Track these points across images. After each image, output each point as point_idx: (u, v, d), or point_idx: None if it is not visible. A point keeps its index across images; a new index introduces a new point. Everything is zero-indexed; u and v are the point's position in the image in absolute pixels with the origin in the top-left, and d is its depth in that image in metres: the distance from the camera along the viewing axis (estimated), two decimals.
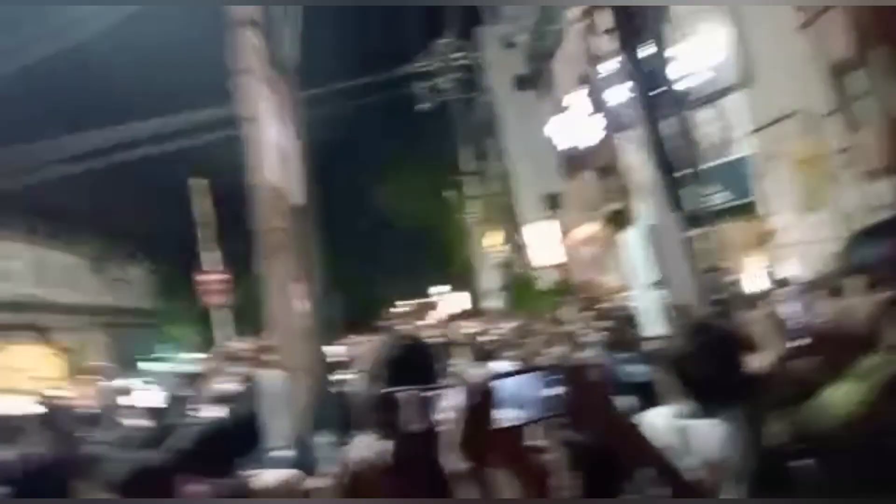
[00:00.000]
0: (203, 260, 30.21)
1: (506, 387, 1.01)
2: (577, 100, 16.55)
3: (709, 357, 1.80)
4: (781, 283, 5.27)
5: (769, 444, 1.50)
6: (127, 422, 5.35)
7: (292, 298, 4.18)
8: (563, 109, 18.40)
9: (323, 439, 2.99)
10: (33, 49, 10.72)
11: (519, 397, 1.01)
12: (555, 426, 1.08)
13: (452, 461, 1.02)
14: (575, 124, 16.97)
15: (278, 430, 3.64)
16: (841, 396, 1.35)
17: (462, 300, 33.73)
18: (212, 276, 29.72)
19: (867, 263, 1.53)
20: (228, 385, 8.04)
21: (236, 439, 2.86)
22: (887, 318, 1.42)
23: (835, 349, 1.57)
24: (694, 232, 3.86)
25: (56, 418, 4.01)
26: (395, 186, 39.02)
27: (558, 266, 23.82)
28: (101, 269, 39.66)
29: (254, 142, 4.33)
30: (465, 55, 23.00)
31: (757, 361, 1.94)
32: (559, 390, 1.00)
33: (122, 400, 5.46)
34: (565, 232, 24.07)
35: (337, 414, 2.91)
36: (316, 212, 3.25)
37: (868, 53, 8.46)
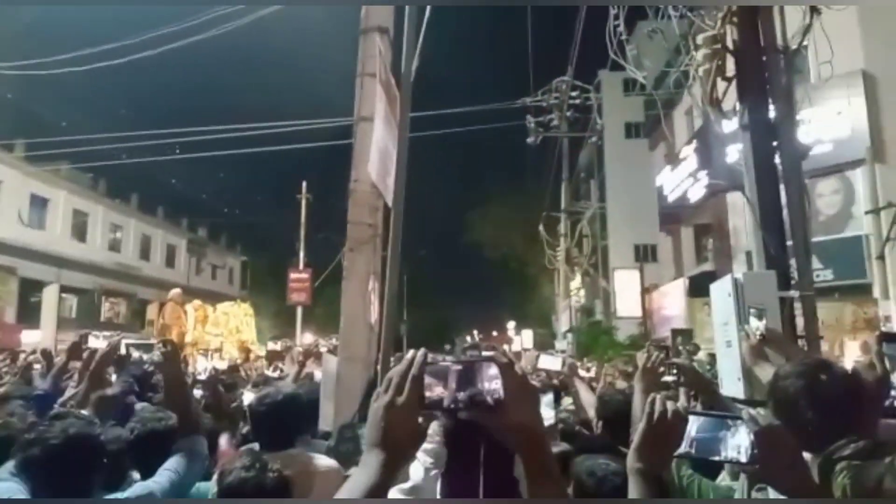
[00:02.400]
0: (296, 260, 31.32)
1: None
2: (689, 153, 16.06)
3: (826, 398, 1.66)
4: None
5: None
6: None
7: (368, 293, 4.26)
8: (672, 161, 17.90)
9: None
10: (172, 41, 11.74)
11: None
12: None
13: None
14: (683, 178, 16.44)
15: (325, 415, 3.70)
16: None
17: (526, 338, 33.19)
18: (302, 275, 30.77)
19: None
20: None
21: (297, 416, 2.99)
22: None
23: None
24: (791, 294, 3.57)
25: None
26: (489, 214, 38.98)
27: (638, 318, 23.25)
28: (199, 254, 42.08)
29: (362, 139, 4.48)
30: (582, 95, 22.85)
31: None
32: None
33: None
34: (652, 286, 23.42)
35: None
36: (404, 220, 3.30)
37: None
